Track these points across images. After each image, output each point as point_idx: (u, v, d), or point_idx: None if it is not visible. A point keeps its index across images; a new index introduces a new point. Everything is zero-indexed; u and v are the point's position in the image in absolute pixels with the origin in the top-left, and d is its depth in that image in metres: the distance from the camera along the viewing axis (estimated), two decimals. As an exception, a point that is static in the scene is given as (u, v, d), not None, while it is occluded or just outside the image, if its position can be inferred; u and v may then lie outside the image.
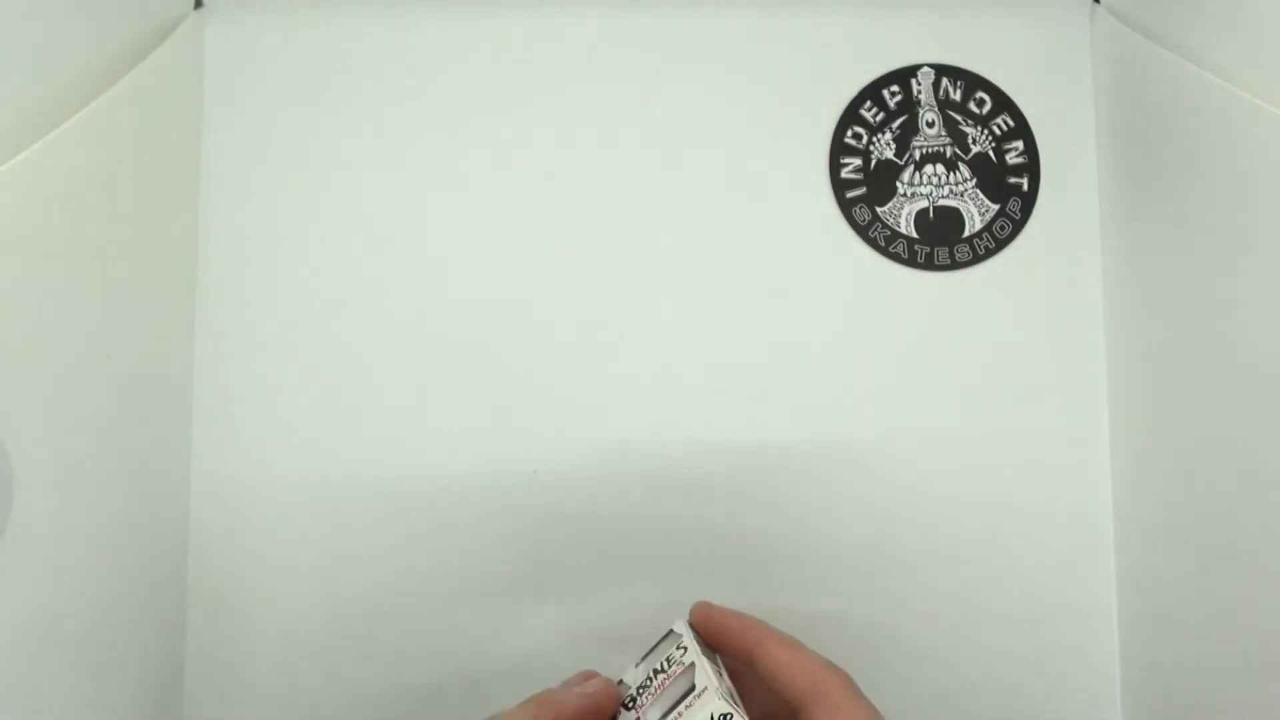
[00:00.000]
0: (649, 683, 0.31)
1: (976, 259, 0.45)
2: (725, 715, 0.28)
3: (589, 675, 0.33)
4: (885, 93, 0.46)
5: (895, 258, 0.45)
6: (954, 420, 0.44)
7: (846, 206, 0.45)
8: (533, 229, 0.45)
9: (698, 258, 0.45)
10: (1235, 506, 0.36)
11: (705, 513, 0.43)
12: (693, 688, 0.29)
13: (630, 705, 0.31)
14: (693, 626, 0.33)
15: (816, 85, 0.46)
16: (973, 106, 0.46)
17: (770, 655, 0.30)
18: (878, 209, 0.45)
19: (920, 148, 0.46)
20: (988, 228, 0.45)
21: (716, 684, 0.29)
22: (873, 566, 0.43)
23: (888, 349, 0.44)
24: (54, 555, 0.34)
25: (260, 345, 0.44)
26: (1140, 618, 0.42)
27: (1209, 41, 0.37)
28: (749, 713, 0.29)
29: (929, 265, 0.45)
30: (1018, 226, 0.45)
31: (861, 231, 0.45)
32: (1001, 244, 0.45)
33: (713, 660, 0.31)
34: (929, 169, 0.45)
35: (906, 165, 0.45)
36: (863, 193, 0.45)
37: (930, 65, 0.46)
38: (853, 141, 0.45)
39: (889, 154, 0.46)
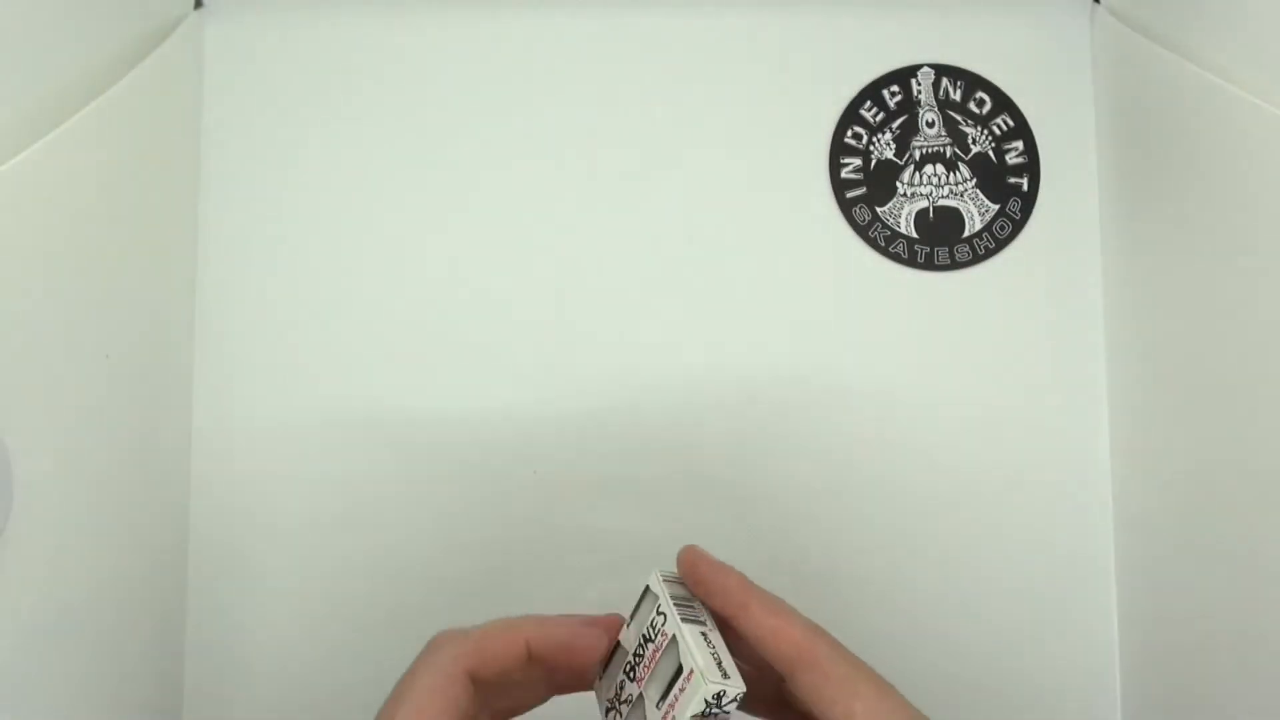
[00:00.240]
0: (642, 651, 0.31)
1: (976, 259, 0.45)
2: (718, 694, 0.27)
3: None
4: (885, 93, 0.46)
5: (895, 258, 0.45)
6: (954, 420, 0.44)
7: (846, 206, 0.45)
8: (533, 229, 0.45)
9: (697, 258, 0.45)
10: (1235, 506, 0.36)
11: (707, 520, 0.43)
12: (680, 669, 0.29)
13: (632, 675, 0.31)
14: (668, 582, 0.32)
15: (816, 85, 0.46)
16: (973, 106, 0.46)
17: (755, 622, 0.29)
18: (878, 209, 0.45)
19: (920, 148, 0.46)
20: (988, 228, 0.45)
21: (702, 663, 0.28)
22: (871, 567, 0.43)
23: (888, 349, 0.44)
24: (54, 555, 0.33)
25: (260, 345, 0.44)
26: (1140, 617, 0.42)
27: (1209, 41, 0.37)
28: (740, 669, 0.28)
29: (929, 265, 0.45)
30: (1018, 226, 0.45)
31: (861, 231, 0.45)
32: (1001, 244, 0.45)
33: (696, 618, 0.30)
34: (929, 169, 0.45)
35: (906, 165, 0.45)
36: (863, 193, 0.45)
37: (930, 65, 0.46)
38: (853, 141, 0.45)
39: (889, 154, 0.46)
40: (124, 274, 0.38)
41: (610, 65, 0.46)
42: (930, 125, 0.46)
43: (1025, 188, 0.45)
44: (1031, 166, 0.46)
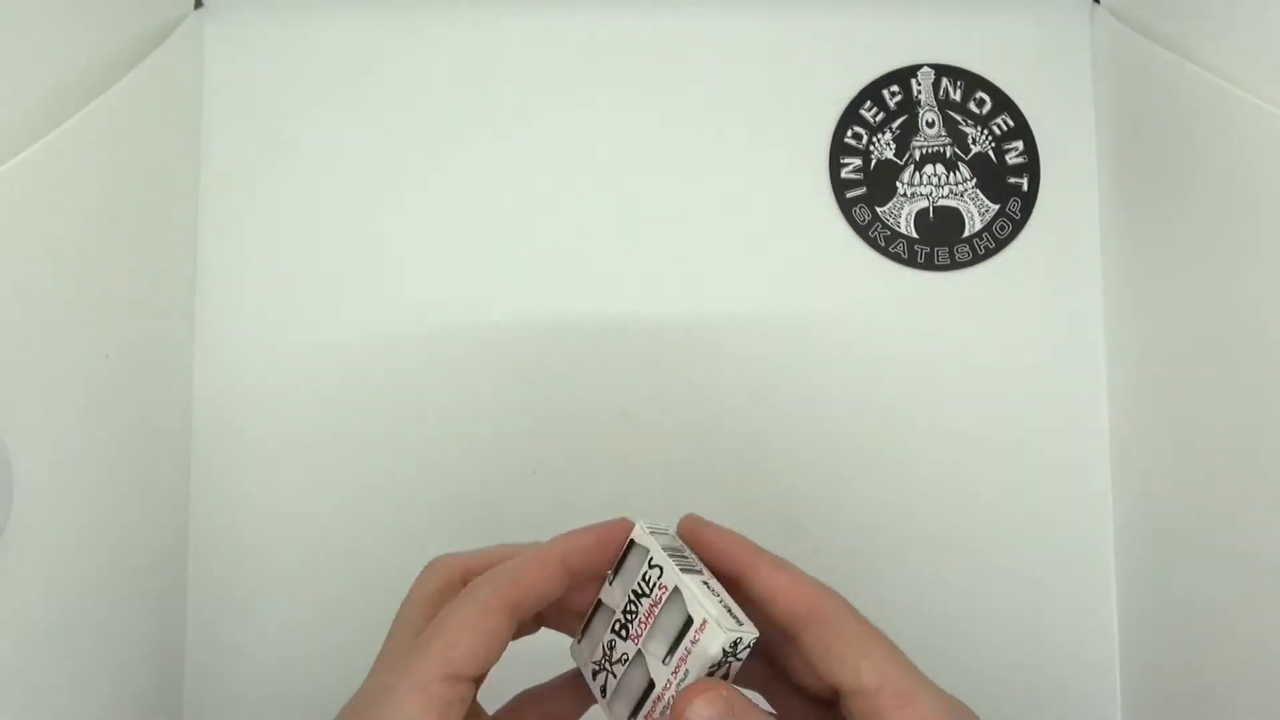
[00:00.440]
0: (634, 608, 0.29)
1: (976, 259, 0.45)
2: (735, 642, 0.27)
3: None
4: (885, 93, 0.46)
5: (895, 258, 0.45)
6: (953, 420, 0.44)
7: (846, 206, 0.45)
8: (533, 230, 0.45)
9: (697, 258, 0.45)
10: (1235, 506, 0.36)
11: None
12: (690, 620, 0.28)
13: (624, 634, 0.30)
14: (655, 534, 0.31)
15: (816, 85, 0.46)
16: (973, 106, 0.46)
17: (763, 580, 0.29)
18: (878, 209, 0.45)
19: (920, 148, 0.46)
20: (988, 228, 0.45)
21: (715, 612, 0.27)
22: (869, 566, 0.43)
23: (887, 349, 0.44)
24: (54, 555, 0.33)
25: (260, 345, 0.44)
26: (1140, 618, 0.42)
27: (1209, 41, 0.37)
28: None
29: (929, 265, 0.45)
30: (1018, 226, 0.45)
31: (861, 231, 0.45)
32: (1001, 244, 0.45)
33: (693, 568, 0.29)
34: (929, 169, 0.45)
35: (906, 165, 0.45)
36: (863, 193, 0.45)
37: (930, 65, 0.46)
38: (853, 141, 0.45)
39: (889, 154, 0.46)
40: (124, 274, 0.38)
41: (609, 65, 0.46)
42: (930, 125, 0.46)
43: (1025, 188, 0.45)
44: (1031, 166, 0.46)
